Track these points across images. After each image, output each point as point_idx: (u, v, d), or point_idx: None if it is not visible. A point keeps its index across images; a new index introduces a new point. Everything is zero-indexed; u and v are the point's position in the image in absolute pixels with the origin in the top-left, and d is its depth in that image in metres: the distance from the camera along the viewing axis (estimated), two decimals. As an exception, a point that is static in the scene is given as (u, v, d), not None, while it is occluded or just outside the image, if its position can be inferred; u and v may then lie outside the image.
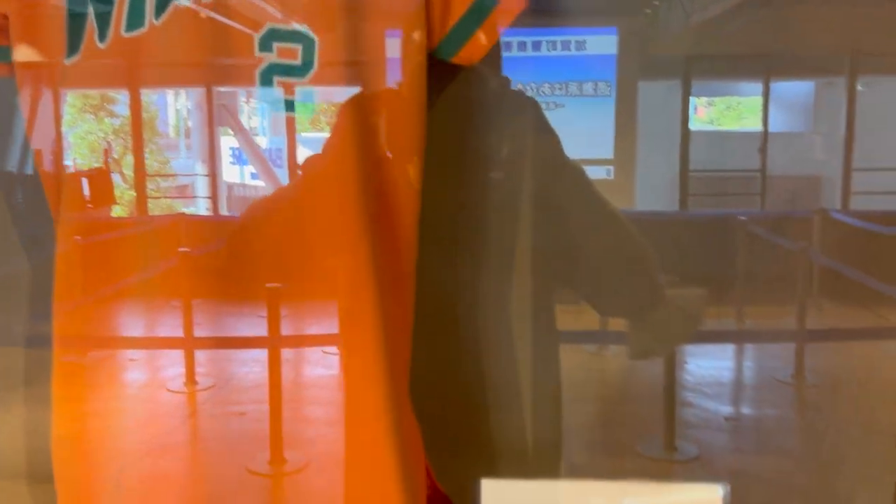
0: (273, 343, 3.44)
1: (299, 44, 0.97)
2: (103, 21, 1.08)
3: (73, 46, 1.11)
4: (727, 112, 16.02)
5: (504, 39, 1.18)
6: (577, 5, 7.61)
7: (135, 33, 1.07)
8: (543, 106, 1.23)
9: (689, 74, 8.10)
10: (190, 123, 13.99)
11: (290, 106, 1.00)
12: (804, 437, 3.91)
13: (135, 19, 1.07)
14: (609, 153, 7.83)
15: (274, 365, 3.50)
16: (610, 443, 3.56)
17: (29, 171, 6.36)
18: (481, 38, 1.02)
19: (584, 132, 7.60)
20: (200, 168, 10.53)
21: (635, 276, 1.28)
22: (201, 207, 10.10)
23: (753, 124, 13.58)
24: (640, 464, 3.37)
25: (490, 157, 1.14)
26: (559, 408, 1.24)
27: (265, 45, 0.99)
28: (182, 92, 14.54)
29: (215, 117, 8.99)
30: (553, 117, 1.17)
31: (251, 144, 10.60)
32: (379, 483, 0.86)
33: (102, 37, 1.09)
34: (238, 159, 11.33)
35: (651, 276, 1.29)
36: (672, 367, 3.57)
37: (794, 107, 12.37)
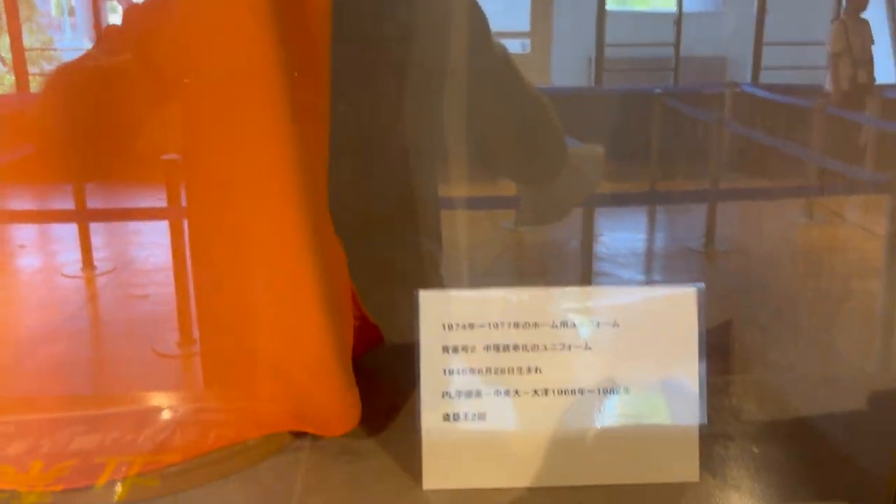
0: (175, 214, 3.25)
1: None
2: None
3: None
4: (638, -8, 15.88)
5: None
6: None
7: None
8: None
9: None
10: (73, 1, 12.88)
11: None
12: (714, 301, 4.04)
13: None
14: (525, 25, 7.61)
15: (177, 242, 3.33)
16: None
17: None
18: None
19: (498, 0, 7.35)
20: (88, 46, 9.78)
21: (544, 144, 1.23)
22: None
23: (663, 5, 13.52)
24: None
25: (412, 33, 1.06)
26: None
27: None
28: (62, -35, 13.33)
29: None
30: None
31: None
32: (304, 317, 0.74)
33: None
34: (130, 39, 10.57)
35: (559, 142, 1.23)
36: (589, 239, 3.59)
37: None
